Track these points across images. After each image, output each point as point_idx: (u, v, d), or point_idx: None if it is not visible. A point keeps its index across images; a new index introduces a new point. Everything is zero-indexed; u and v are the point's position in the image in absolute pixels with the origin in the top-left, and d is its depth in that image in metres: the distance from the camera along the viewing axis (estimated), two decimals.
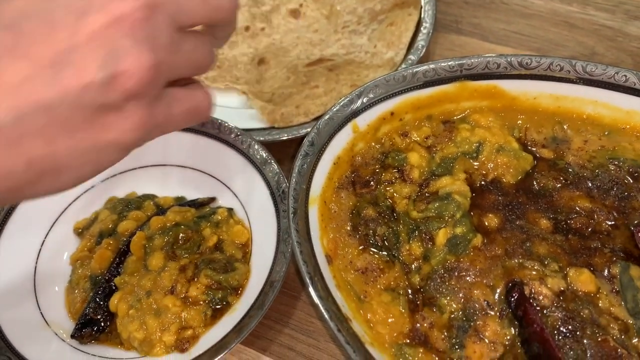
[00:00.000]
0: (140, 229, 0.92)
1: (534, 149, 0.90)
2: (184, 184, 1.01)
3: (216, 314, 0.85)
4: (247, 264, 0.89)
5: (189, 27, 0.54)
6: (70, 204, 0.99)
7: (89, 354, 0.83)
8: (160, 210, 0.97)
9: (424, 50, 1.10)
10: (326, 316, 0.68)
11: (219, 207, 0.97)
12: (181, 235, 0.92)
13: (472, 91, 0.92)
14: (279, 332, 0.89)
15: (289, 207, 0.76)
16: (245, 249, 0.92)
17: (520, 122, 0.92)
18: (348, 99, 0.88)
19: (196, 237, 0.92)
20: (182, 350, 0.82)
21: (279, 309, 0.91)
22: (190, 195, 1.01)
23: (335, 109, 0.87)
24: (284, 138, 1.01)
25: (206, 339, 0.82)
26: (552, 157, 0.89)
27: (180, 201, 1.01)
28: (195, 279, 0.85)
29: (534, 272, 0.77)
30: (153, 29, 0.48)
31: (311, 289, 0.70)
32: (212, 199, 1.00)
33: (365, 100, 0.89)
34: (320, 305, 0.68)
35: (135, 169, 1.02)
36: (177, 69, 0.53)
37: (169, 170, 1.01)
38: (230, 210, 0.96)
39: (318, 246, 0.77)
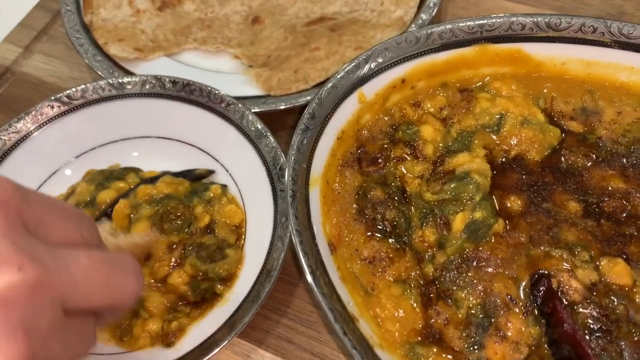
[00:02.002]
0: (125, 197, 0.83)
1: (561, 121, 0.81)
2: (170, 159, 0.91)
3: (203, 305, 0.77)
4: (241, 249, 0.80)
5: (79, 311, 0.44)
6: (45, 180, 0.90)
7: None
8: (149, 179, 0.87)
9: (436, 9, 0.99)
10: (331, 318, 0.59)
11: (212, 183, 0.88)
12: (171, 207, 0.83)
13: (493, 55, 0.82)
14: (276, 323, 0.81)
15: (287, 189, 0.67)
16: (239, 231, 0.83)
17: (546, 90, 0.82)
18: (354, 64, 0.78)
19: (187, 214, 0.83)
20: (168, 344, 0.74)
21: (276, 297, 0.83)
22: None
23: (339, 76, 0.77)
24: (281, 107, 0.90)
25: (195, 333, 0.74)
26: (582, 130, 0.80)
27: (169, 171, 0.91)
28: (181, 263, 0.77)
29: (563, 263, 0.69)
30: (34, 313, 0.39)
31: (313, 285, 0.61)
32: (211, 172, 0.90)
33: (373, 65, 0.79)
34: (323, 305, 0.60)
35: (116, 141, 0.92)
36: (54, 357, 0.42)
37: (152, 142, 0.91)
38: (224, 187, 0.87)
39: (320, 233, 0.69)
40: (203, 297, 0.76)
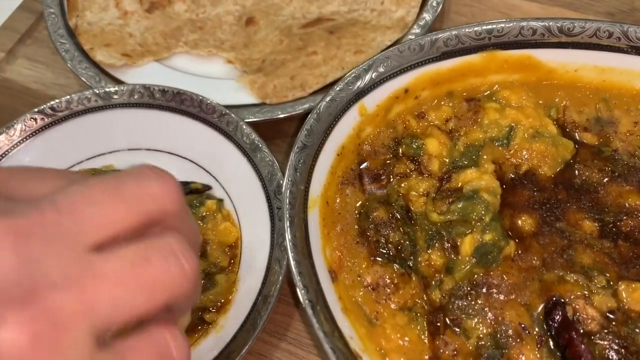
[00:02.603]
0: None
1: (574, 133, 0.76)
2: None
3: (196, 332, 0.73)
4: (235, 272, 0.76)
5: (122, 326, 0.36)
6: None
7: None
8: None
9: (439, 8, 0.94)
10: (332, 358, 0.55)
11: (209, 198, 0.83)
12: None
13: (501, 62, 0.77)
14: (274, 347, 0.77)
15: (285, 215, 0.62)
16: (234, 251, 0.79)
17: (557, 99, 0.78)
18: (353, 74, 0.73)
19: None
20: None
21: (274, 320, 0.79)
22: None
23: (338, 88, 0.72)
24: (278, 116, 0.85)
25: None
26: (596, 143, 0.75)
27: None
28: None
29: (578, 288, 0.65)
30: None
31: (314, 323, 0.57)
32: (208, 187, 0.85)
33: (374, 75, 0.74)
34: (325, 345, 0.56)
35: (104, 154, 0.87)
36: None
37: (142, 155, 0.87)
38: (220, 201, 0.83)
39: (320, 260, 0.65)
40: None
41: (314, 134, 0.69)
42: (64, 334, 0.32)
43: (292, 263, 0.60)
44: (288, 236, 0.61)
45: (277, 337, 0.78)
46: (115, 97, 0.86)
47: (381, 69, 0.74)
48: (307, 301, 0.58)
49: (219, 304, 0.74)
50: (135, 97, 0.86)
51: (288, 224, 0.62)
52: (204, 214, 0.80)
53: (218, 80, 0.94)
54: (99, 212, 0.36)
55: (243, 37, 1.00)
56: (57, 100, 0.85)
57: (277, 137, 0.92)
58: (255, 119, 0.86)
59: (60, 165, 0.85)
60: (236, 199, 0.82)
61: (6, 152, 0.83)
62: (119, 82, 0.92)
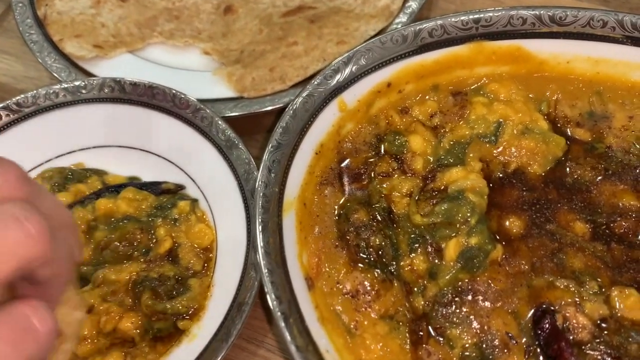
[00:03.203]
0: (82, 205, 0.76)
1: (566, 128, 0.72)
2: (133, 171, 0.82)
3: (170, 340, 0.69)
4: (209, 277, 0.72)
5: None
6: None
7: None
8: (112, 187, 0.79)
9: None
10: None
11: (182, 198, 0.79)
12: (128, 234, 0.75)
13: (489, 54, 0.73)
14: (252, 355, 0.74)
15: (257, 220, 0.58)
16: (209, 254, 0.75)
17: (549, 93, 0.74)
18: (332, 68, 0.69)
19: (146, 240, 0.75)
20: None
21: (252, 325, 0.75)
22: None
23: (315, 83, 0.68)
24: (256, 111, 0.81)
25: None
26: (589, 139, 0.71)
27: (134, 182, 0.83)
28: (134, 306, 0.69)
29: (568, 295, 0.61)
30: None
31: (287, 336, 0.53)
32: (181, 187, 0.81)
33: (354, 68, 0.70)
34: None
35: (73, 152, 0.83)
36: None
37: (113, 153, 0.82)
38: (194, 202, 0.79)
39: (295, 268, 0.61)
40: (157, 336, 0.69)
41: (289, 131, 0.65)
42: None
43: (264, 272, 0.56)
44: (260, 243, 0.57)
45: (255, 344, 0.74)
46: (84, 91, 0.81)
47: (362, 62, 0.70)
48: (279, 313, 0.54)
49: (192, 310, 0.70)
50: (106, 91, 0.82)
51: (260, 230, 0.58)
52: (176, 216, 0.76)
53: (194, 73, 0.90)
54: None
55: (221, 26, 0.95)
56: (22, 96, 0.80)
57: (256, 131, 0.88)
58: (232, 114, 0.82)
59: (28, 165, 0.81)
60: (211, 199, 0.78)
61: None
62: (90, 75, 0.88)
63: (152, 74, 0.88)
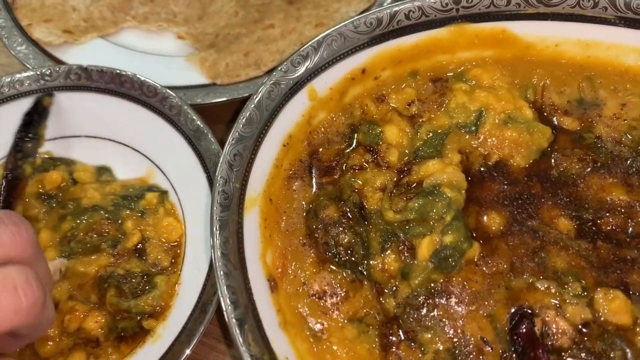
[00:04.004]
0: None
1: (553, 117, 0.68)
2: (102, 160, 0.79)
3: (134, 340, 0.66)
4: (177, 274, 0.69)
5: None
6: None
7: None
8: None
9: None
10: None
11: (150, 190, 0.76)
12: (95, 223, 0.72)
13: (472, 37, 0.68)
14: (222, 354, 0.71)
15: (214, 219, 0.55)
16: (177, 250, 0.72)
17: (535, 79, 0.69)
18: (300, 54, 0.64)
19: (114, 232, 0.72)
20: None
21: (223, 323, 0.72)
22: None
23: (282, 70, 0.63)
24: (228, 100, 0.77)
25: None
26: (578, 128, 0.67)
27: (105, 173, 0.79)
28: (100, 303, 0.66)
29: (549, 297, 0.57)
30: None
31: (239, 344, 0.50)
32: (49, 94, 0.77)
33: (325, 54, 0.66)
34: None
35: None
36: None
37: (82, 142, 0.79)
38: (163, 194, 0.75)
39: (256, 269, 0.57)
40: (121, 336, 0.66)
41: (253, 123, 0.61)
42: None
43: (220, 275, 0.52)
44: (217, 243, 0.54)
45: (225, 343, 0.72)
46: (49, 79, 0.78)
47: (334, 47, 0.66)
48: (233, 320, 0.51)
49: (157, 309, 0.67)
50: (72, 78, 0.78)
51: (217, 229, 0.55)
52: (144, 208, 0.73)
53: (167, 58, 0.86)
54: None
55: (197, 8, 0.91)
56: None
57: (231, 119, 0.84)
58: (203, 102, 0.78)
59: None
60: (181, 191, 0.75)
61: None
62: (59, 62, 0.84)
63: (124, 59, 0.85)
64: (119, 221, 0.73)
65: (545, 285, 0.58)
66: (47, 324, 0.48)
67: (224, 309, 0.52)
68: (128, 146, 0.78)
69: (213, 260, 0.54)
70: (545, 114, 0.67)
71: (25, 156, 0.72)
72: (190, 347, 0.61)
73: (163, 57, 0.86)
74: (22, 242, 0.45)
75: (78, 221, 0.72)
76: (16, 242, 0.44)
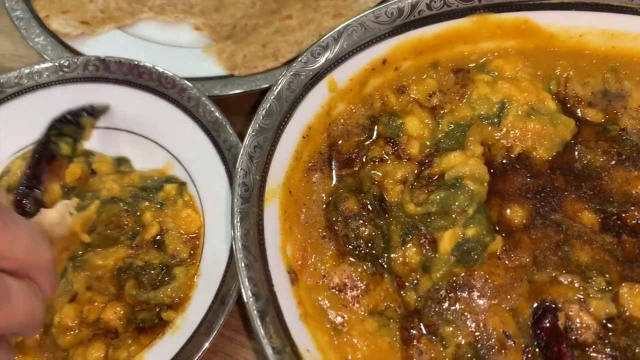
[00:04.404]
0: None
1: (577, 108, 0.66)
2: (121, 151, 0.79)
3: (154, 331, 0.66)
4: (195, 265, 0.69)
5: None
6: None
7: None
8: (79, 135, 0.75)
9: None
10: None
11: (168, 182, 0.75)
12: (114, 215, 0.72)
13: (494, 27, 0.67)
14: (241, 346, 0.71)
15: (235, 210, 0.54)
16: (195, 242, 0.71)
17: (559, 70, 0.68)
18: (320, 44, 0.64)
19: (133, 224, 0.72)
20: None
21: (241, 315, 0.72)
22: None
23: (302, 61, 0.63)
24: (244, 90, 0.77)
25: None
26: (602, 120, 0.66)
27: (123, 164, 0.79)
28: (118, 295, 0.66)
29: (573, 291, 0.57)
30: None
31: (261, 337, 0.50)
32: (106, 108, 0.77)
33: (346, 45, 0.65)
34: None
35: None
36: None
37: (99, 134, 0.79)
38: (182, 185, 0.75)
39: (277, 261, 0.57)
40: (140, 327, 0.66)
41: (273, 114, 0.60)
42: None
43: (241, 268, 0.52)
44: (237, 235, 0.53)
45: (244, 335, 0.72)
46: (68, 70, 0.78)
47: (354, 37, 0.65)
48: (255, 312, 0.50)
49: (176, 300, 0.67)
50: (90, 69, 0.78)
51: (238, 221, 0.54)
52: (162, 200, 0.73)
53: (184, 50, 0.86)
54: None
55: (214, 0, 0.90)
56: (4, 76, 0.77)
57: (248, 110, 0.84)
58: (220, 94, 0.77)
59: (13, 147, 0.78)
60: (199, 183, 0.74)
61: None
62: (77, 53, 0.84)
63: (141, 51, 0.85)
64: (138, 213, 0.73)
65: (569, 280, 0.57)
66: (27, 317, 0.47)
67: (246, 300, 0.51)
68: (146, 138, 0.78)
69: (234, 252, 0.53)
70: (568, 105, 0.66)
71: (61, 134, 0.71)
72: (210, 339, 0.61)
73: (180, 49, 0.86)
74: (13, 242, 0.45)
75: (98, 213, 0.72)
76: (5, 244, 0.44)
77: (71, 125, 0.72)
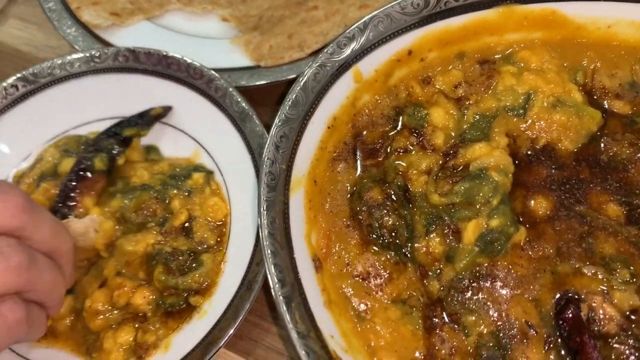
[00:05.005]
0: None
1: (603, 100, 0.66)
2: (149, 140, 0.80)
3: (181, 316, 0.68)
4: (222, 252, 0.71)
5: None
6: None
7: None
8: (108, 132, 0.77)
9: None
10: None
11: (196, 170, 0.77)
12: (144, 202, 0.74)
13: (520, 18, 0.67)
14: (265, 332, 0.72)
15: (262, 199, 0.56)
16: (222, 229, 0.73)
17: (586, 61, 0.67)
18: (346, 35, 0.64)
19: (161, 210, 0.74)
20: (139, 358, 0.66)
21: (269, 300, 0.74)
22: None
23: (328, 52, 0.64)
24: (270, 81, 0.78)
25: (170, 349, 0.66)
26: (629, 112, 0.65)
27: (152, 152, 0.81)
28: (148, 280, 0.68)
29: (596, 283, 0.57)
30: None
31: (287, 321, 0.51)
32: (168, 108, 0.79)
33: (371, 36, 0.65)
34: (298, 346, 0.50)
35: (90, 122, 0.81)
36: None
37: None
38: (209, 174, 0.77)
39: (302, 249, 0.58)
40: (168, 311, 0.68)
41: (299, 105, 0.61)
42: None
43: (267, 254, 0.54)
44: (264, 223, 0.55)
45: (268, 321, 0.73)
46: (99, 61, 0.80)
47: (380, 28, 0.65)
48: (281, 297, 0.52)
49: (204, 286, 0.69)
50: (120, 60, 0.80)
51: (265, 209, 0.55)
52: (190, 188, 0.75)
53: (211, 41, 0.87)
54: None
55: None
56: (38, 66, 0.80)
57: (274, 101, 0.85)
58: (247, 84, 0.79)
59: (46, 135, 0.80)
60: (226, 172, 0.76)
61: None
62: (107, 44, 0.86)
63: (169, 42, 0.86)
64: (167, 200, 0.74)
65: (593, 271, 0.57)
66: (52, 286, 0.52)
67: (272, 286, 0.53)
68: (174, 127, 0.80)
69: (260, 240, 0.55)
70: (595, 97, 0.66)
71: (97, 150, 0.74)
72: (236, 324, 0.62)
73: (207, 40, 0.87)
74: (11, 208, 0.48)
75: (127, 201, 0.73)
76: (5, 209, 0.48)
77: (112, 138, 0.74)
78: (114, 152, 0.74)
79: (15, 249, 0.48)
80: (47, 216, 0.52)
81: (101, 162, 0.72)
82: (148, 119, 0.78)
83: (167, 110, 0.79)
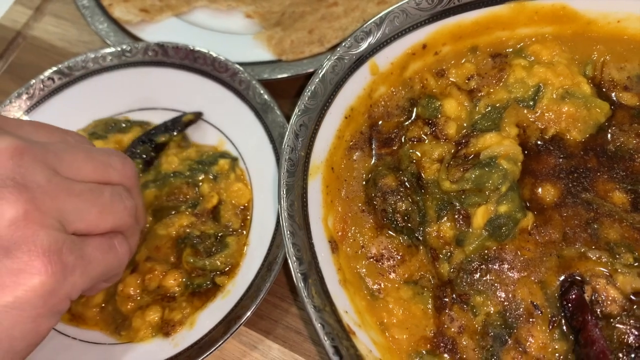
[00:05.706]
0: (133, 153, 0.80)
1: (612, 92, 0.68)
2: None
3: (206, 295, 0.72)
4: (245, 235, 0.75)
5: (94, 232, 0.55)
6: None
7: (67, 335, 0.73)
8: (145, 137, 0.81)
9: None
10: (320, 334, 0.53)
11: (222, 157, 0.81)
12: (176, 189, 0.78)
13: (532, 13, 0.69)
14: (285, 312, 0.76)
15: (282, 183, 0.59)
16: (245, 213, 0.77)
17: (595, 55, 0.69)
18: (364, 30, 0.67)
19: (192, 194, 0.78)
20: (166, 334, 0.71)
21: (289, 283, 0.77)
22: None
23: (346, 46, 0.67)
24: (291, 75, 0.82)
25: (195, 326, 0.70)
26: (637, 104, 0.67)
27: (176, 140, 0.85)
28: (176, 264, 0.73)
29: (600, 266, 0.59)
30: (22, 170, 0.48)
31: (304, 295, 0.55)
32: (199, 114, 0.83)
33: (387, 30, 0.68)
34: (314, 318, 0.54)
35: (120, 113, 0.86)
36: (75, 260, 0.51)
37: (158, 114, 0.85)
38: (234, 160, 0.81)
39: (319, 230, 0.62)
40: (195, 291, 0.72)
41: (318, 96, 0.65)
42: (43, 217, 0.47)
43: (286, 234, 0.57)
44: (284, 205, 0.58)
45: (288, 302, 0.77)
46: (129, 55, 0.84)
47: (396, 23, 0.68)
48: (299, 274, 0.55)
49: (229, 267, 0.73)
50: (150, 54, 0.84)
51: (284, 193, 0.59)
52: (216, 173, 0.79)
53: (236, 36, 0.91)
54: (73, 160, 0.53)
55: None
56: (73, 60, 0.84)
57: (295, 94, 0.88)
58: (269, 78, 0.82)
59: (80, 127, 0.85)
60: (248, 160, 0.80)
61: (26, 111, 0.84)
62: (137, 39, 0.91)
63: (196, 37, 0.90)
64: (197, 185, 0.78)
65: (597, 255, 0.60)
66: (137, 231, 0.62)
67: (290, 264, 0.56)
68: (201, 118, 0.84)
69: (280, 221, 0.58)
70: (604, 89, 0.68)
71: (132, 155, 0.79)
72: (257, 301, 0.66)
73: (232, 35, 0.91)
74: (129, 169, 0.59)
75: (160, 188, 0.78)
76: (125, 169, 0.58)
77: (145, 145, 0.79)
78: (148, 158, 0.79)
79: (131, 199, 0.58)
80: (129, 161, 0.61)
81: (137, 167, 0.77)
82: (180, 125, 0.82)
83: (198, 116, 0.83)
